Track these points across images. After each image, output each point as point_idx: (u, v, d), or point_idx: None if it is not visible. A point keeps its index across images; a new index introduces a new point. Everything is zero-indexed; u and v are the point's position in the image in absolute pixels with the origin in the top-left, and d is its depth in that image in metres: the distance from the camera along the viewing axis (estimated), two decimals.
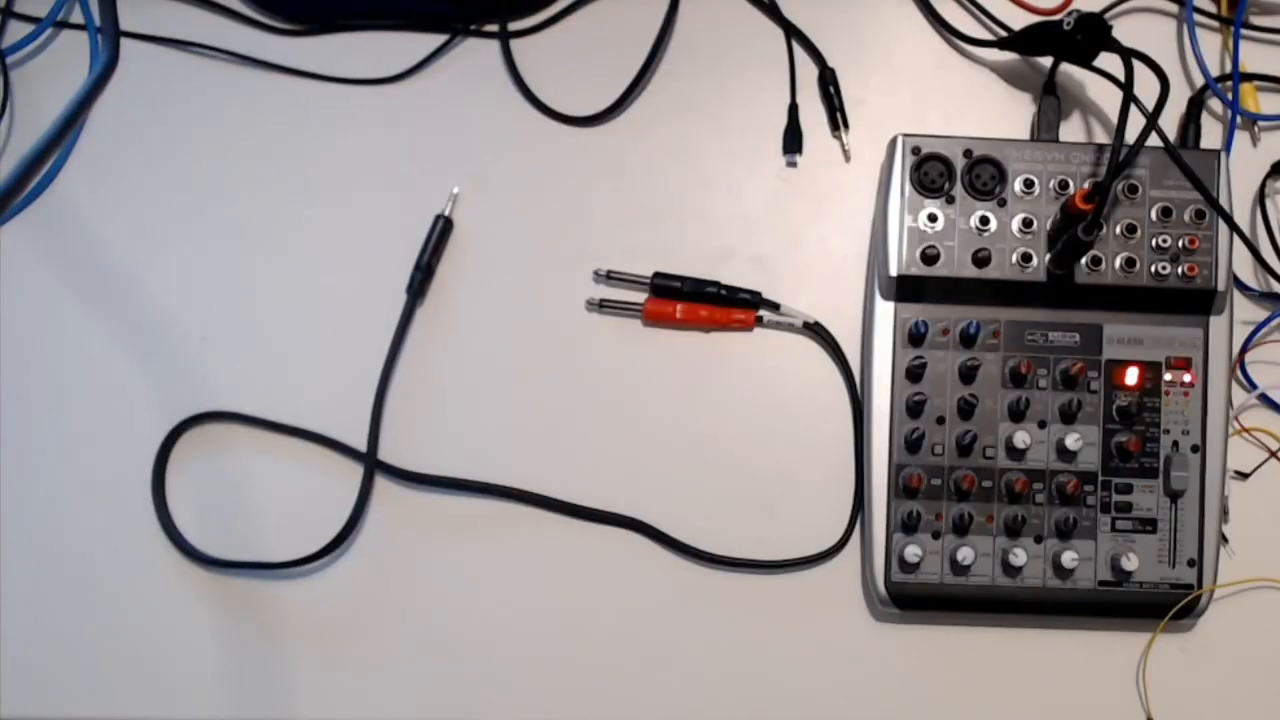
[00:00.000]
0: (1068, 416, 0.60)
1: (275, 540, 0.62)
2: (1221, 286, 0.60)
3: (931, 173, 0.60)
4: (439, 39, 0.67)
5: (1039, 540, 0.60)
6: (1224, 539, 0.61)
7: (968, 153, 0.60)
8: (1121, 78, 0.58)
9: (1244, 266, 0.63)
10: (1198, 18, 0.66)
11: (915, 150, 0.60)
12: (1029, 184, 0.60)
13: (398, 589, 0.62)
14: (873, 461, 0.60)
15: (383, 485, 0.62)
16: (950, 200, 0.60)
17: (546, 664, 0.61)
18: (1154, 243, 0.60)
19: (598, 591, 0.62)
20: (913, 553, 0.59)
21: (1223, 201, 0.59)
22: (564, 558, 0.62)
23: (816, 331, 0.63)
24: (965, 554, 0.59)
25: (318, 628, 0.61)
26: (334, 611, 0.61)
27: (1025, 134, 0.65)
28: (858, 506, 0.62)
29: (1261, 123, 0.65)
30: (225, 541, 0.62)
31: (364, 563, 0.62)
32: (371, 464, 0.62)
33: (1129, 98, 0.58)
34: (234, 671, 0.61)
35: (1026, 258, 0.59)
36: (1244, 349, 0.62)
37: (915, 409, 0.60)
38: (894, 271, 0.60)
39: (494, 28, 0.67)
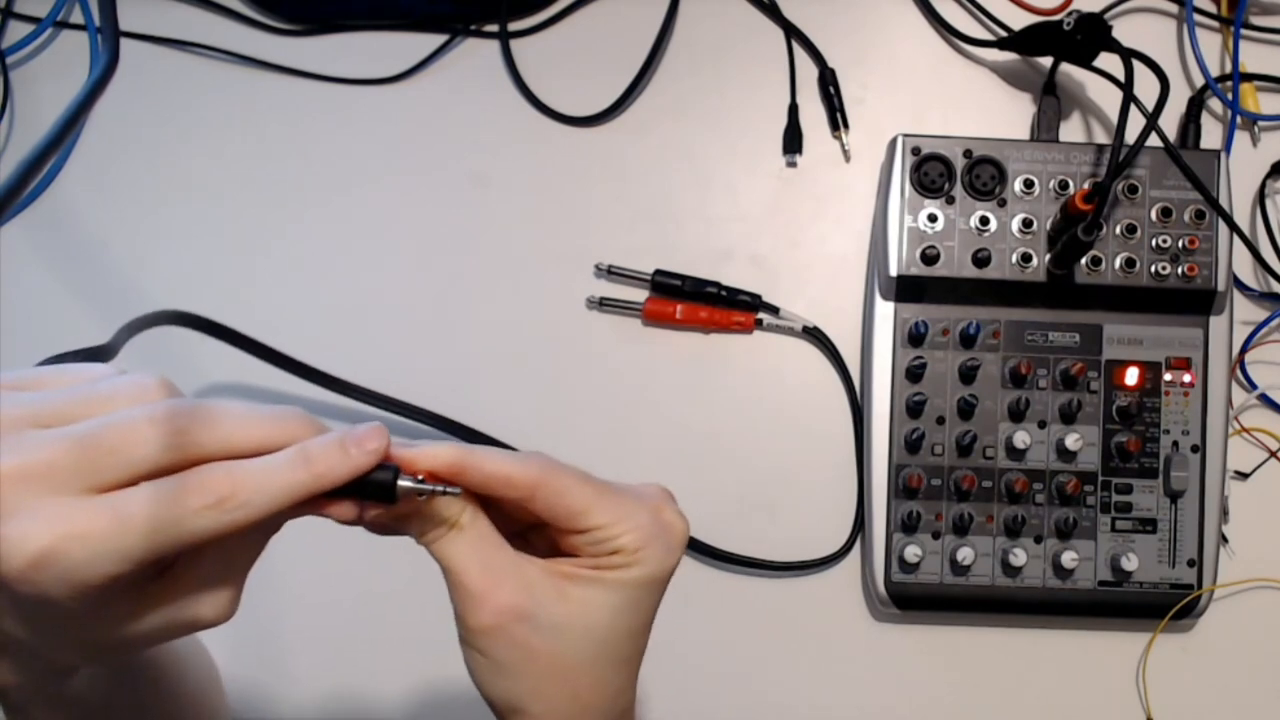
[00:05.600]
0: (1068, 416, 0.60)
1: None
2: (1221, 286, 0.60)
3: (931, 173, 0.60)
4: (439, 39, 0.67)
5: (1039, 540, 0.60)
6: (1224, 539, 0.61)
7: (968, 153, 0.60)
8: (1121, 78, 0.58)
9: (1244, 266, 0.63)
10: (1198, 18, 0.66)
11: (915, 150, 0.60)
12: (1029, 184, 0.60)
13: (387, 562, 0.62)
14: (873, 462, 0.60)
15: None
16: (950, 200, 0.60)
17: None
18: (1154, 243, 0.60)
19: None
20: (913, 553, 0.59)
21: (1223, 201, 0.59)
22: None
23: (815, 336, 0.63)
24: (965, 554, 0.59)
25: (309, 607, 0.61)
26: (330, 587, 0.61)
27: (1025, 134, 0.65)
28: (860, 511, 0.62)
29: (1261, 123, 0.65)
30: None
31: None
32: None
33: (1129, 98, 0.58)
34: (239, 664, 0.61)
35: (1026, 258, 0.59)
36: (1244, 349, 0.62)
37: (915, 409, 0.60)
38: (894, 271, 0.60)
39: (494, 28, 0.67)
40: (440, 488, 0.34)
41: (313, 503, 0.34)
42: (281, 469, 0.32)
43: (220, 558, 0.34)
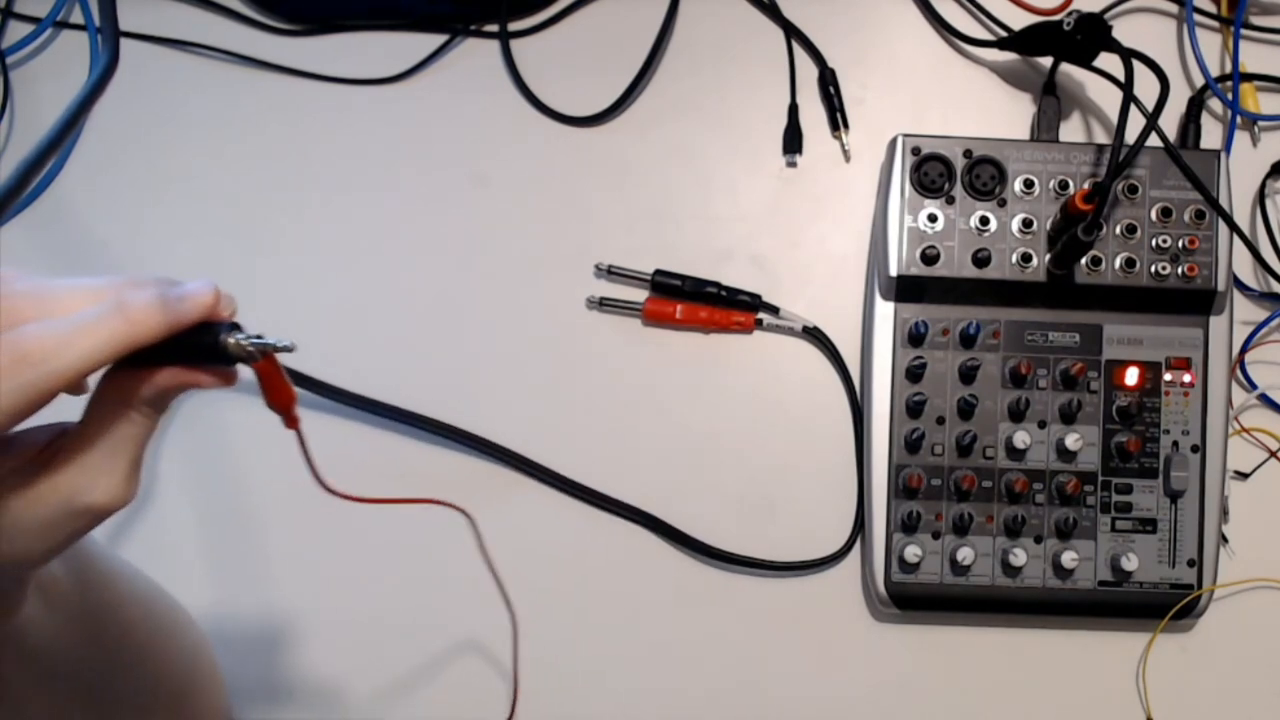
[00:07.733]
0: (1068, 416, 0.60)
1: (282, 537, 0.62)
2: (1221, 286, 0.60)
3: (931, 173, 0.60)
4: (439, 39, 0.67)
5: (1039, 540, 0.60)
6: (1224, 539, 0.61)
7: (968, 153, 0.60)
8: (1121, 78, 0.58)
9: (1244, 266, 0.63)
10: (1198, 18, 0.66)
11: (915, 150, 0.60)
12: (1029, 184, 0.60)
13: (382, 565, 0.62)
14: (873, 462, 0.60)
15: (379, 447, 0.63)
16: (950, 200, 0.60)
17: (546, 656, 0.61)
18: (1154, 243, 0.60)
19: (599, 584, 0.62)
20: (913, 553, 0.59)
21: (1223, 201, 0.59)
22: (567, 547, 0.62)
23: (815, 336, 0.63)
24: (965, 554, 0.59)
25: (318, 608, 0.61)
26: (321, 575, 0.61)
27: (1025, 134, 0.65)
28: (860, 511, 0.62)
29: (1261, 123, 0.65)
30: (227, 539, 0.62)
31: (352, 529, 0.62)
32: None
33: (1129, 98, 0.58)
34: (241, 664, 0.61)
35: (1026, 258, 0.59)
36: (1244, 349, 0.62)
37: (915, 409, 0.60)
38: (894, 271, 0.60)
39: (494, 28, 0.67)
40: (276, 342, 0.33)
41: (161, 370, 0.33)
42: (94, 321, 0.31)
43: (102, 436, 0.33)
